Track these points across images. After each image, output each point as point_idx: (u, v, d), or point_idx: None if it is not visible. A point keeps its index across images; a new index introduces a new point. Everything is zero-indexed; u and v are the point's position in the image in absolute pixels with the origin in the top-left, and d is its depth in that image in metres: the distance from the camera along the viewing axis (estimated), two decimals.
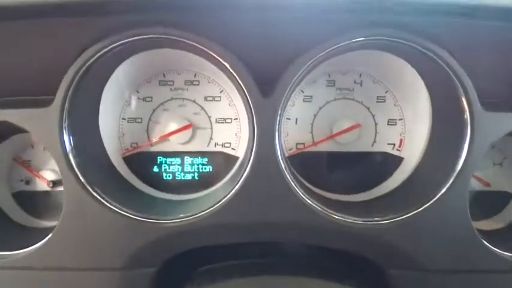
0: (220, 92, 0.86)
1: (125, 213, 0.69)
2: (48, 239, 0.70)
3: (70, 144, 0.68)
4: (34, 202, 0.87)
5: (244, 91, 0.68)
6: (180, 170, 0.87)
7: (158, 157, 0.87)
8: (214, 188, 0.86)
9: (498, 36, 0.68)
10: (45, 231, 0.81)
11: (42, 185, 0.87)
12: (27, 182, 0.87)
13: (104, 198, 0.69)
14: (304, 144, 0.87)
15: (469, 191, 0.86)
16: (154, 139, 0.86)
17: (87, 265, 0.70)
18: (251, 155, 0.70)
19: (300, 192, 0.70)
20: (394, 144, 0.87)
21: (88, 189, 0.68)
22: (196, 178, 0.87)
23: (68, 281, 0.71)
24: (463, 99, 0.67)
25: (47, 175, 0.85)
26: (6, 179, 0.85)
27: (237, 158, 0.87)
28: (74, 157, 0.68)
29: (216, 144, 0.87)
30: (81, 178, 0.68)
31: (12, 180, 0.87)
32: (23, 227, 0.84)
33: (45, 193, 0.87)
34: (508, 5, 0.62)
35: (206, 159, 0.87)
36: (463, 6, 0.61)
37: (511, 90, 0.74)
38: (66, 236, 0.70)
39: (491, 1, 0.62)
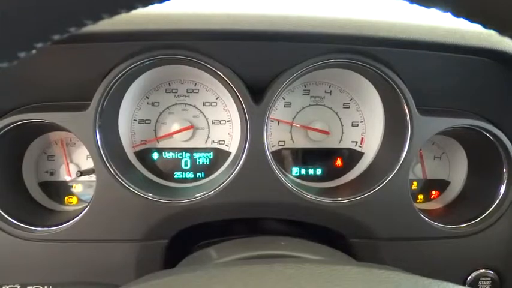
0: (216, 98, 1.03)
1: (144, 196, 0.86)
2: (81, 217, 0.86)
3: (101, 139, 0.85)
4: (56, 190, 1.03)
5: (239, 99, 0.86)
6: (182, 162, 1.05)
7: (164, 152, 1.04)
8: (210, 177, 1.04)
9: (435, 60, 0.88)
10: (67, 213, 0.98)
11: (63, 176, 1.03)
12: (51, 173, 1.03)
13: (126, 183, 0.86)
14: (284, 141, 1.07)
15: (416, 180, 1.09)
16: (161, 137, 1.03)
17: (112, 237, 0.87)
18: (244, 149, 0.89)
19: (282, 178, 0.89)
20: (357, 142, 1.06)
21: (115, 176, 0.85)
22: (196, 169, 1.04)
23: (97, 251, 0.87)
24: (405, 107, 0.89)
25: (71, 167, 1.02)
26: (34, 170, 1.01)
27: (229, 153, 1.05)
28: (103, 150, 0.85)
29: (212, 141, 1.04)
30: (109, 167, 0.85)
31: (39, 172, 1.02)
32: (49, 210, 1.00)
33: (65, 183, 1.04)
34: (438, 40, 0.83)
35: (204, 154, 1.05)
36: (406, 41, 0.82)
37: (446, 100, 0.96)
38: (96, 214, 0.86)
39: (426, 37, 0.83)
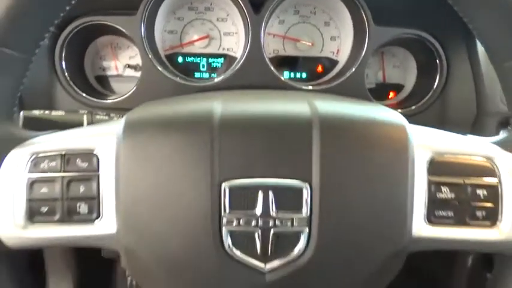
0: (227, 15, 1.34)
1: (173, 79, 1.21)
2: (131, 92, 1.22)
3: (146, 38, 1.19)
4: (107, 82, 1.39)
5: (244, 11, 1.20)
6: (200, 65, 1.39)
7: (186, 56, 1.38)
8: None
9: None
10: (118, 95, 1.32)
11: (112, 71, 1.38)
12: (103, 69, 1.38)
13: (162, 70, 1.21)
14: (278, 50, 1.40)
15: (377, 83, 1.43)
16: (184, 44, 1.37)
17: None
18: (246, 52, 1.23)
19: (275, 71, 1.23)
20: (334, 52, 1.38)
21: (154, 63, 1.20)
22: (211, 71, 1.37)
23: None
24: (365, 19, 1.21)
25: (118, 64, 1.37)
26: (91, 67, 1.36)
27: (236, 58, 1.37)
28: (146, 46, 1.20)
29: (223, 49, 1.36)
30: (151, 58, 1.20)
31: (94, 68, 1.38)
32: (105, 94, 1.36)
33: (113, 77, 1.38)
34: None
35: (217, 59, 1.38)
36: None
37: (399, 17, 1.26)
38: (142, 90, 1.21)
39: None
